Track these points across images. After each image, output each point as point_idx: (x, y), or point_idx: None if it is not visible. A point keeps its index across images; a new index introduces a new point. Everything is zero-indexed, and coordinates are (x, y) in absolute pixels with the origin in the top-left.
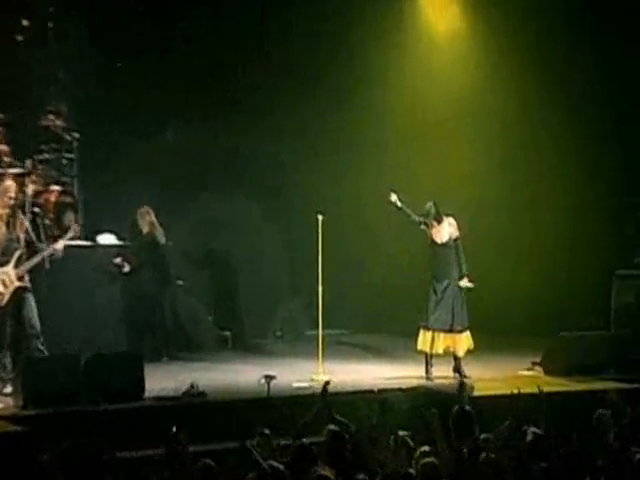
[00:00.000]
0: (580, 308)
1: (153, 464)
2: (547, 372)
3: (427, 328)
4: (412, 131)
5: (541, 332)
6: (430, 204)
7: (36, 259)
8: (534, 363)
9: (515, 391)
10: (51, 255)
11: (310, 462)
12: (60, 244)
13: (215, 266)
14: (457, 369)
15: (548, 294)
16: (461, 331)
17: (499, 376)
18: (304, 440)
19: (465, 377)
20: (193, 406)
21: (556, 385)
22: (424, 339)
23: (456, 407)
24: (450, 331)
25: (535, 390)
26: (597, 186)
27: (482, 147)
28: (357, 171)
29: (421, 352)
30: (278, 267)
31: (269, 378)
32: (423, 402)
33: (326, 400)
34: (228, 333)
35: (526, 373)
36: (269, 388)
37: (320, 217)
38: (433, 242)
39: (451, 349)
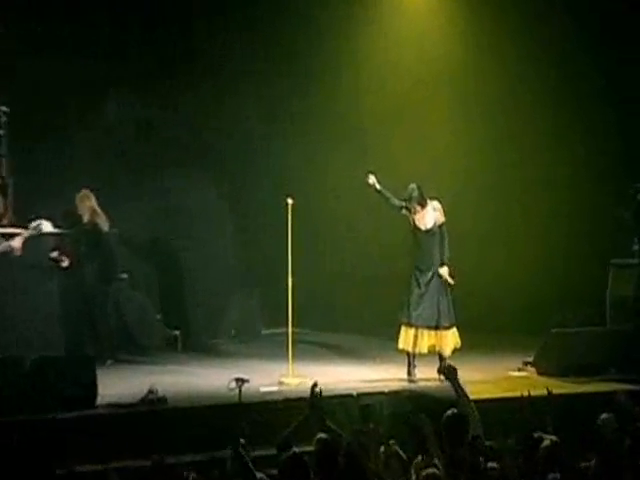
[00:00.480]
0: (575, 300)
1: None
2: (540, 372)
3: (409, 325)
4: (387, 109)
5: (533, 329)
6: (413, 186)
7: None
8: (526, 363)
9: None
10: (5, 253)
11: (303, 475)
12: (18, 241)
13: (163, 257)
14: (442, 369)
15: (540, 285)
16: (448, 328)
17: (489, 378)
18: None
19: None
20: (154, 414)
21: (551, 387)
22: (406, 337)
23: (450, 411)
24: (436, 328)
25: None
26: (593, 169)
27: (463, 119)
28: (329, 154)
29: (402, 351)
30: (234, 258)
31: (241, 382)
32: (409, 407)
33: (315, 405)
34: (177, 332)
35: (517, 374)
36: (241, 393)
37: (290, 201)
38: (416, 229)
39: (436, 348)
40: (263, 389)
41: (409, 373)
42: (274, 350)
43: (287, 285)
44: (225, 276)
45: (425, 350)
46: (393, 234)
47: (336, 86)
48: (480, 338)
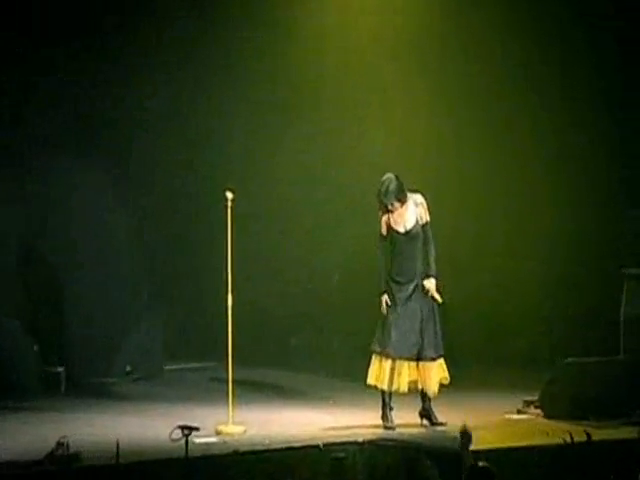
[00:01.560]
0: (584, 322)
1: None
2: (548, 415)
3: (385, 355)
4: (342, 95)
5: (535, 360)
6: (390, 177)
7: None
8: (528, 403)
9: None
10: None
11: None
12: None
13: (39, 274)
14: (426, 413)
15: (541, 304)
16: (433, 359)
17: (484, 422)
18: None
19: (439, 424)
20: (66, 474)
21: (563, 433)
22: (380, 371)
23: (468, 464)
24: (418, 359)
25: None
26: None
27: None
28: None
29: (373, 388)
30: (133, 273)
31: (187, 430)
32: (388, 459)
33: None
34: (60, 369)
35: (516, 417)
36: (187, 445)
37: (230, 196)
38: (392, 231)
39: (419, 385)
40: (199, 440)
41: (384, 417)
42: (181, 391)
43: (226, 304)
44: (122, 297)
45: (405, 388)
46: (358, 237)
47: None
48: (471, 371)
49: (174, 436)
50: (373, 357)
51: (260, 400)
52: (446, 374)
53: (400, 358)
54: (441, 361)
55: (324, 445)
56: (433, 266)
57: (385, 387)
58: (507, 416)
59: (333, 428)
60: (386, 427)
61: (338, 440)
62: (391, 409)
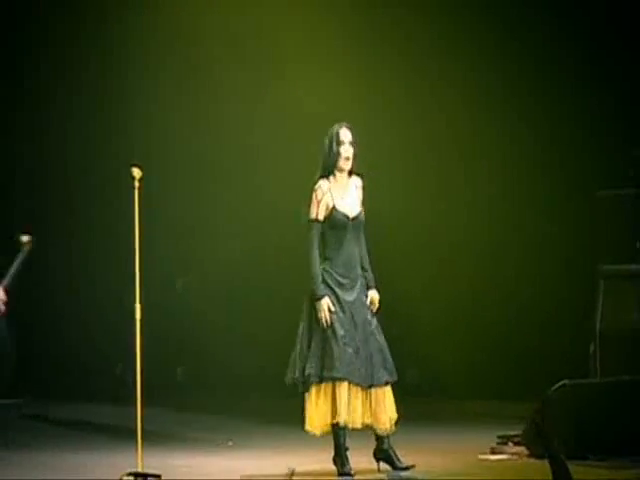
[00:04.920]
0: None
1: None
2: (534, 453)
3: (338, 379)
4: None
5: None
6: (343, 129)
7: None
8: (504, 438)
9: None
10: None
11: None
12: None
13: None
14: (384, 455)
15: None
16: (387, 383)
17: (454, 464)
18: None
19: (404, 468)
20: None
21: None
22: (330, 402)
23: None
24: (371, 386)
25: None
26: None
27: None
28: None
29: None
30: None
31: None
32: None
33: None
34: None
35: (494, 458)
36: None
37: (137, 173)
38: (336, 212)
39: (367, 419)
40: None
41: (340, 462)
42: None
43: (135, 316)
44: None
45: (359, 423)
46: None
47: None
48: (427, 403)
49: None
50: (312, 387)
51: (158, 443)
52: (394, 408)
53: (355, 384)
54: (390, 390)
55: None
56: (369, 270)
57: (342, 420)
58: (482, 457)
59: (272, 476)
60: (342, 474)
61: None
62: (346, 449)
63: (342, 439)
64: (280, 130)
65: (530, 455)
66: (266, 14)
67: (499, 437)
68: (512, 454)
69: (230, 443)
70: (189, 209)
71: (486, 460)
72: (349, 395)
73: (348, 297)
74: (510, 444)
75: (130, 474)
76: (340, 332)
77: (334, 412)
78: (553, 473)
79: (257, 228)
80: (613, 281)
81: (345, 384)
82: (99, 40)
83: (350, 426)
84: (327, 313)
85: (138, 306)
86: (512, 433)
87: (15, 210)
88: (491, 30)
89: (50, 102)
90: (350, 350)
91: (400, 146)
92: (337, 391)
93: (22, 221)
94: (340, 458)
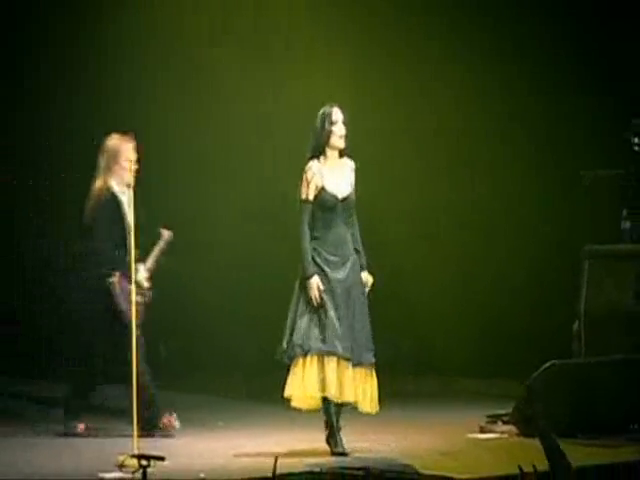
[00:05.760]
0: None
1: None
2: (524, 432)
3: (329, 354)
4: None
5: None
6: (334, 108)
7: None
8: (494, 418)
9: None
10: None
11: None
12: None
13: None
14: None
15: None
16: (372, 364)
17: (442, 445)
18: None
19: (340, 453)
20: None
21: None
22: (321, 375)
23: None
24: (357, 364)
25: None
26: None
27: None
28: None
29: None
30: None
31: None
32: None
33: None
34: None
35: (483, 437)
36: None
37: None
38: (325, 193)
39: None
40: (102, 475)
41: (332, 440)
42: None
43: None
44: None
45: (352, 397)
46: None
47: None
48: (413, 382)
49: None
50: (307, 359)
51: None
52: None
53: (343, 359)
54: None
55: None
56: (363, 252)
57: (331, 394)
58: (470, 435)
59: (254, 454)
60: (335, 453)
61: (290, 470)
62: (339, 429)
63: (333, 417)
64: (280, 130)
65: (519, 434)
66: (266, 14)
67: (488, 417)
68: (501, 433)
69: (220, 423)
70: (189, 203)
71: (475, 439)
72: (338, 370)
73: (338, 275)
74: (499, 423)
75: (133, 456)
76: (330, 309)
77: (322, 386)
78: (545, 450)
79: (262, 216)
80: (597, 261)
81: (334, 358)
82: (99, 40)
83: (339, 401)
84: (317, 292)
85: (134, 287)
86: (501, 412)
87: (15, 210)
88: (484, 30)
89: (50, 102)
90: (339, 326)
91: (390, 145)
92: (326, 365)
93: (22, 221)
94: (334, 438)
